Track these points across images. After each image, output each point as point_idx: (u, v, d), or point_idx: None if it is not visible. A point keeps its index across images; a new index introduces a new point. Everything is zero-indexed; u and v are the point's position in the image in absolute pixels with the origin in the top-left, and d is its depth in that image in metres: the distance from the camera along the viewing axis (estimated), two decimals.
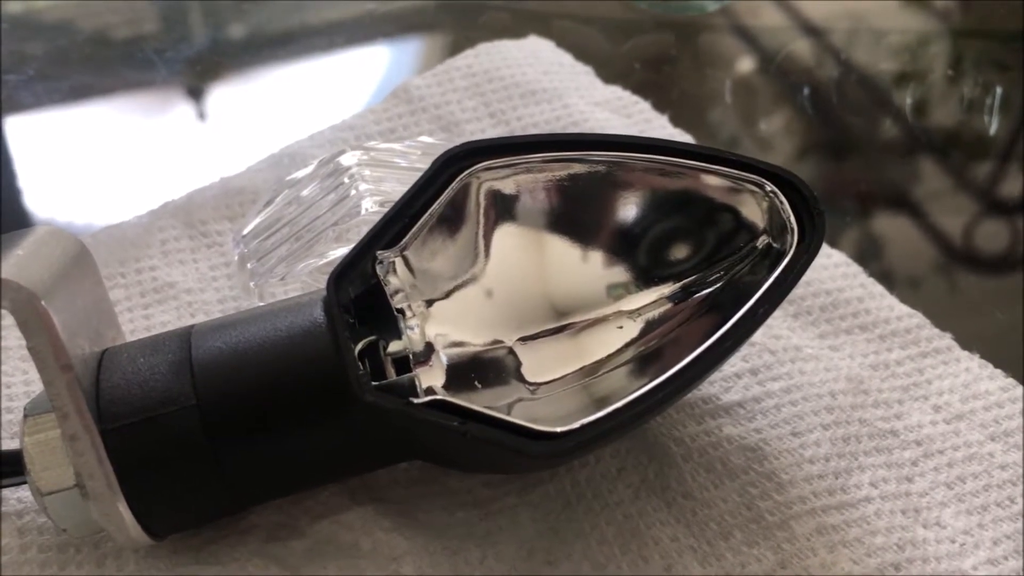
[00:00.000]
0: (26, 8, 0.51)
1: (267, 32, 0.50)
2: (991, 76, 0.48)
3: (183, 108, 0.46)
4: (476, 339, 0.28)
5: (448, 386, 0.26)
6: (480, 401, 0.24)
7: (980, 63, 0.50)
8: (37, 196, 0.41)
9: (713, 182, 0.27)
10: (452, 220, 0.27)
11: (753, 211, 0.27)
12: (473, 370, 0.27)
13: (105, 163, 0.42)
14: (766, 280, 0.25)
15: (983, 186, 0.43)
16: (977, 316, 0.37)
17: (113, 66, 0.48)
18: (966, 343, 0.33)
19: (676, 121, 0.41)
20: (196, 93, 0.46)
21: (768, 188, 0.27)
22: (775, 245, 0.27)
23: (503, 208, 0.28)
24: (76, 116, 0.45)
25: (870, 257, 0.36)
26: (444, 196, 0.26)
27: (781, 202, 0.26)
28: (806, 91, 0.47)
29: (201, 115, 0.45)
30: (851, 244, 0.37)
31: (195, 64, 0.48)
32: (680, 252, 0.28)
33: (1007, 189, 0.43)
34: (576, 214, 0.28)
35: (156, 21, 0.51)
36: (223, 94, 0.47)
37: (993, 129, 0.46)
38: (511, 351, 0.28)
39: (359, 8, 0.51)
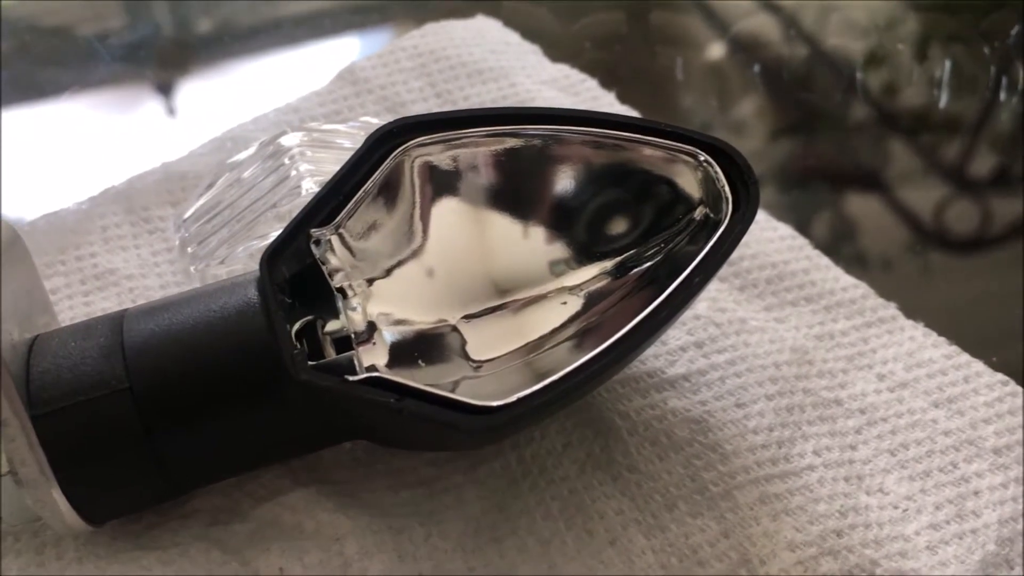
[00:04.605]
0: None
1: (233, 26, 0.50)
2: (956, 53, 0.48)
3: (151, 104, 0.45)
4: (419, 317, 0.28)
5: (392, 365, 0.26)
6: (424, 380, 0.24)
7: (947, 41, 0.50)
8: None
9: (648, 153, 0.27)
10: (388, 197, 0.27)
11: (689, 182, 0.27)
12: (417, 349, 0.27)
13: (71, 159, 0.41)
14: (702, 251, 0.25)
15: (952, 165, 0.44)
16: (944, 292, 0.37)
17: (78, 62, 0.47)
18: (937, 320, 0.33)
19: (626, 99, 0.41)
20: (164, 88, 0.46)
21: (702, 158, 0.26)
22: (712, 216, 0.27)
23: (440, 185, 0.28)
24: (40, 112, 0.44)
25: (810, 230, 0.36)
26: (378, 173, 0.26)
27: (715, 172, 0.26)
28: (756, 68, 0.47)
29: (170, 111, 0.45)
30: (794, 221, 0.37)
31: (161, 59, 0.47)
32: (619, 226, 0.28)
33: (976, 168, 0.44)
34: (514, 190, 0.28)
35: (121, 16, 0.50)
36: (190, 88, 0.46)
37: (943, 102, 0.46)
38: (455, 329, 0.28)
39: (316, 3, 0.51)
